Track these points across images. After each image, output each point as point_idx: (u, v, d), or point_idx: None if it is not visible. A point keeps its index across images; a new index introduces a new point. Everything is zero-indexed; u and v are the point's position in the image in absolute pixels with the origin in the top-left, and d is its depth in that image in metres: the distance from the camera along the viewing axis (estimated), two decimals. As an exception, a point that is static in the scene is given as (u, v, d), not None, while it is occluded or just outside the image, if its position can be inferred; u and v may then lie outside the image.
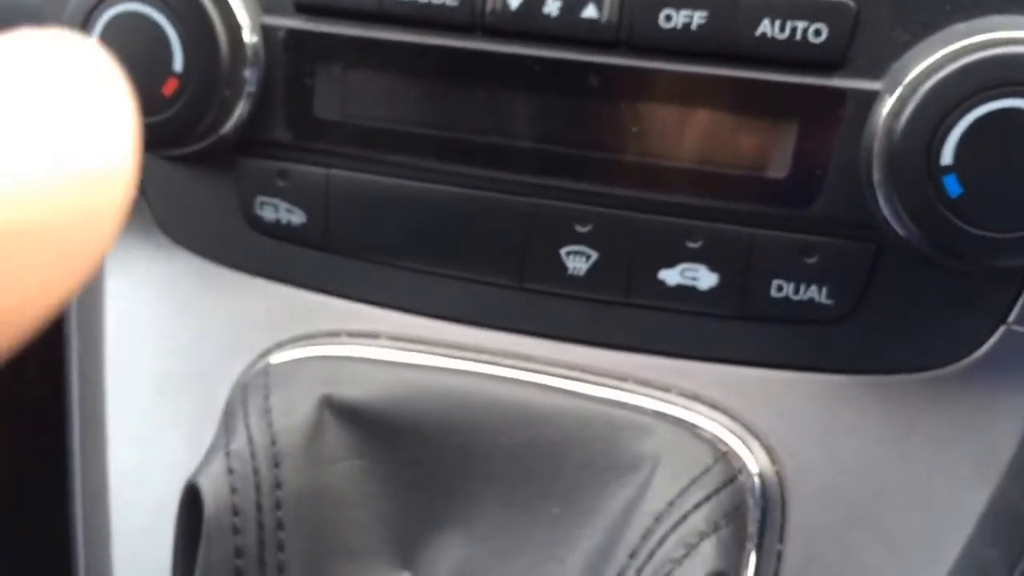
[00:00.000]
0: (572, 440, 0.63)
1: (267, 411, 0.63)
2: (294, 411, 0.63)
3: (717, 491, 0.60)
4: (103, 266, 0.74)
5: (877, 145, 0.55)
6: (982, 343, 0.61)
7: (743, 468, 0.62)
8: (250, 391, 0.65)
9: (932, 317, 0.61)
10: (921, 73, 0.54)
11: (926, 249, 0.56)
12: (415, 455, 0.64)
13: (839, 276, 0.61)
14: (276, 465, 0.62)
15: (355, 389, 0.64)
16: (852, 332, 0.62)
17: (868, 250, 0.60)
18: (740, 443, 0.63)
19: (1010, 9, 0.55)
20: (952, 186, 0.54)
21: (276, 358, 0.68)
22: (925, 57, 0.54)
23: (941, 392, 0.62)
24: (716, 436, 0.63)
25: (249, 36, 0.63)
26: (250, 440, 0.62)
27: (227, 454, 0.62)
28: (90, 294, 0.75)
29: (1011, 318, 0.60)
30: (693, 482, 0.60)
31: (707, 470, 0.61)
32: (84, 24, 0.62)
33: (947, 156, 0.53)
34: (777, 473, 0.64)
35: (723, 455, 0.62)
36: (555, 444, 0.63)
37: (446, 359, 0.66)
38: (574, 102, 0.61)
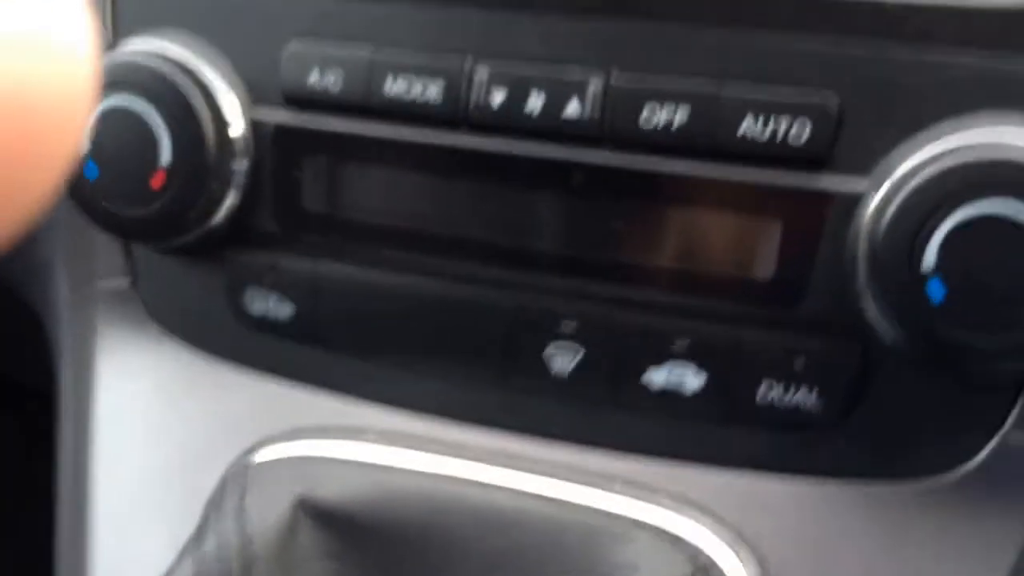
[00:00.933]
0: (550, 548, 0.62)
1: (242, 512, 0.63)
2: (269, 512, 0.63)
3: None
4: (94, 356, 0.74)
5: (861, 246, 0.55)
6: (978, 451, 0.60)
7: None
8: (227, 491, 0.65)
9: (926, 423, 0.60)
10: (903, 174, 0.53)
11: (914, 354, 0.55)
12: (390, 559, 0.63)
13: (828, 379, 0.60)
14: (248, 569, 0.61)
15: (332, 491, 0.64)
16: (843, 437, 0.61)
17: (857, 353, 0.59)
18: (728, 551, 0.62)
19: (996, 108, 0.54)
20: (935, 291, 0.53)
21: (259, 456, 0.68)
22: (908, 157, 0.54)
23: (936, 501, 0.61)
24: (700, 545, 0.62)
25: (237, 129, 0.64)
26: (222, 543, 0.62)
27: (197, 557, 0.62)
28: (81, 385, 0.75)
29: (1008, 426, 0.59)
30: None
31: None
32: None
33: (929, 260, 0.53)
34: None
35: (703, 568, 0.61)
36: (533, 552, 0.62)
37: (430, 458, 0.66)
38: (558, 198, 0.61)
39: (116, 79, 0.63)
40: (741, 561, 0.62)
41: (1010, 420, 0.59)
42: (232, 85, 0.64)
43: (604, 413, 0.64)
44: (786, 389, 0.60)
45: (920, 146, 0.54)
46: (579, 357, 0.62)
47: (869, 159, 0.56)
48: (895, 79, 0.56)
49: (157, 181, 0.63)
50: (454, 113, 0.61)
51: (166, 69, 0.63)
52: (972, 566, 0.61)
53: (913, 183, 0.53)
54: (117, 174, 0.64)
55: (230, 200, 0.65)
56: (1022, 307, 0.52)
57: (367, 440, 0.67)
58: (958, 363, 0.55)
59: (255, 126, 0.64)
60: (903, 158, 0.54)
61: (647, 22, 0.58)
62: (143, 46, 0.64)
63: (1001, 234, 0.52)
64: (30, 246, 0.76)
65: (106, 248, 0.71)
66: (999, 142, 0.52)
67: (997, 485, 0.60)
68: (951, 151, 0.53)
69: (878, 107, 0.56)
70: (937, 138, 0.54)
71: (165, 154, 0.63)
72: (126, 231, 0.66)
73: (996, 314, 0.53)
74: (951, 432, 0.60)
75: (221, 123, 0.63)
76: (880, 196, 0.54)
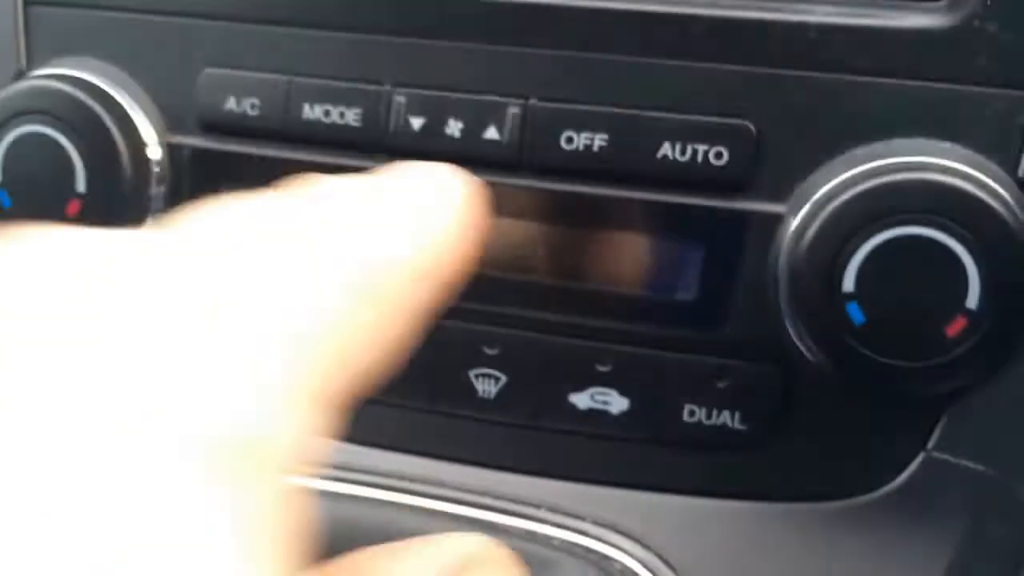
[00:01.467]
0: None
1: None
2: None
3: None
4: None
5: (781, 269, 0.54)
6: (902, 470, 0.59)
7: None
8: None
9: (850, 443, 0.59)
10: (820, 198, 0.53)
11: (835, 375, 0.55)
12: None
13: (752, 401, 0.59)
14: None
15: None
16: (768, 458, 0.60)
17: (780, 374, 0.58)
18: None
19: (912, 132, 0.54)
20: (855, 314, 0.52)
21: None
22: (826, 181, 0.53)
23: (862, 520, 0.60)
24: (626, 569, 0.61)
25: (154, 155, 0.62)
26: None
27: None
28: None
29: (931, 444, 0.58)
30: None
31: None
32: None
33: (849, 283, 0.52)
34: None
35: None
36: None
37: (349, 485, 0.64)
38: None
39: (30, 106, 0.61)
40: (665, 585, 0.61)
41: (933, 438, 0.58)
42: (147, 112, 0.63)
43: (530, 437, 0.63)
44: (709, 411, 0.59)
45: (837, 170, 0.54)
46: (503, 380, 0.62)
47: (787, 183, 0.55)
48: (811, 105, 0.55)
49: (72, 209, 0.61)
50: (373, 138, 0.60)
51: (81, 95, 0.61)
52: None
53: (831, 206, 0.52)
54: (32, 203, 0.62)
55: (148, 227, 0.63)
56: (942, 328, 0.52)
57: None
58: (880, 384, 0.54)
59: (172, 151, 0.63)
60: (821, 182, 0.54)
61: (563, 51, 0.58)
62: (57, 72, 0.63)
63: (919, 256, 0.51)
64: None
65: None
66: (915, 165, 0.52)
67: (921, 503, 0.59)
68: (869, 174, 0.52)
69: (795, 132, 0.55)
70: (854, 162, 0.54)
71: (80, 181, 0.61)
72: None
73: (916, 335, 0.52)
74: (875, 451, 0.59)
75: (137, 148, 0.62)
76: (799, 219, 0.53)
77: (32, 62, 0.65)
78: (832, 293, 0.52)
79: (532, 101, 0.58)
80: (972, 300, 0.51)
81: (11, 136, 0.61)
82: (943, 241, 0.51)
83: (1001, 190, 0.51)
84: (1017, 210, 0.51)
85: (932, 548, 0.60)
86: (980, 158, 0.53)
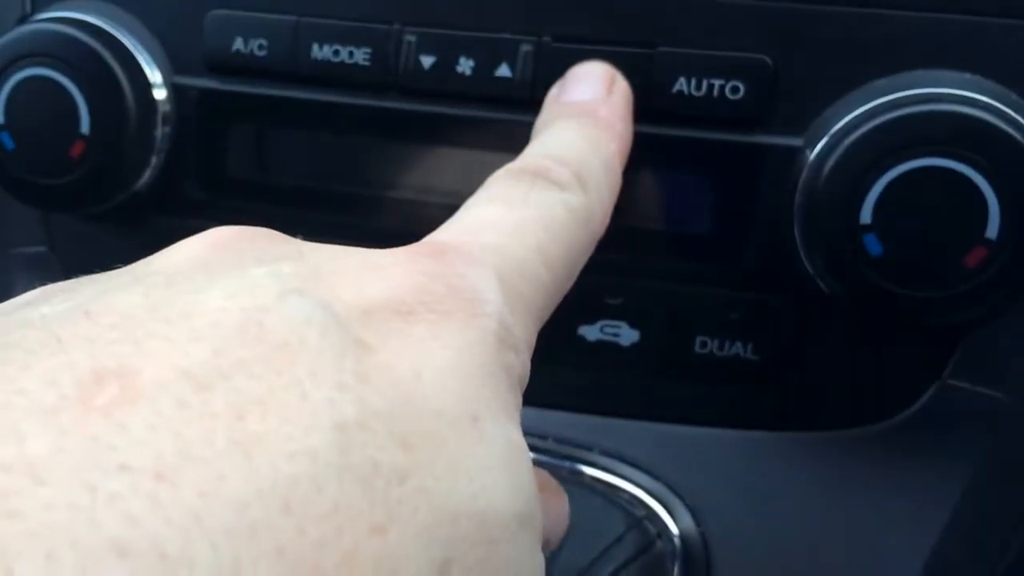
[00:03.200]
0: None
1: None
2: None
3: (628, 562, 0.57)
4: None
5: (798, 202, 0.52)
6: (917, 398, 0.58)
7: (663, 531, 0.59)
8: None
9: (863, 372, 0.58)
10: (839, 131, 0.51)
11: (851, 306, 0.54)
12: None
13: (765, 332, 0.58)
14: None
15: None
16: (780, 388, 0.59)
17: (794, 305, 0.57)
18: (661, 506, 0.60)
19: (931, 63, 0.52)
20: (872, 245, 0.51)
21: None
22: (844, 114, 0.52)
23: (875, 448, 0.59)
24: (634, 498, 0.60)
25: (159, 95, 0.60)
26: None
27: None
28: None
29: (946, 372, 0.57)
30: (605, 552, 0.57)
31: (620, 539, 0.58)
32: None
33: (866, 215, 0.50)
34: (702, 535, 0.60)
35: (639, 521, 0.59)
36: None
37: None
38: (491, 160, 0.58)
39: (33, 49, 0.59)
40: (674, 515, 0.60)
41: (949, 366, 0.57)
42: (153, 53, 0.60)
43: (538, 369, 0.61)
44: (722, 343, 0.58)
45: (855, 103, 0.52)
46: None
47: (805, 116, 0.54)
48: (829, 37, 0.53)
49: (76, 150, 0.59)
50: (382, 77, 0.58)
51: (84, 37, 0.59)
52: (914, 511, 0.60)
53: (849, 139, 0.50)
54: (36, 145, 0.60)
55: (153, 167, 0.61)
56: (961, 259, 0.51)
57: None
58: (896, 315, 0.53)
59: (177, 92, 0.61)
60: (839, 115, 0.52)
61: None
62: (61, 15, 0.60)
63: (938, 187, 0.50)
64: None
65: (22, 215, 0.67)
66: (934, 96, 0.50)
67: (936, 432, 0.58)
68: (887, 106, 0.51)
69: (812, 65, 0.54)
70: (872, 94, 0.52)
71: (84, 123, 0.59)
72: (45, 201, 0.62)
73: (935, 266, 0.51)
74: (889, 380, 0.58)
75: (142, 89, 0.59)
76: (816, 152, 0.52)
77: (36, 5, 0.63)
78: (849, 225, 0.51)
79: (545, 38, 0.56)
80: (992, 230, 0.50)
81: (14, 79, 0.59)
82: (963, 172, 0.49)
83: (1022, 121, 0.49)
84: (1039, 141, 0.50)
85: (947, 475, 0.59)
86: (1002, 89, 0.51)
